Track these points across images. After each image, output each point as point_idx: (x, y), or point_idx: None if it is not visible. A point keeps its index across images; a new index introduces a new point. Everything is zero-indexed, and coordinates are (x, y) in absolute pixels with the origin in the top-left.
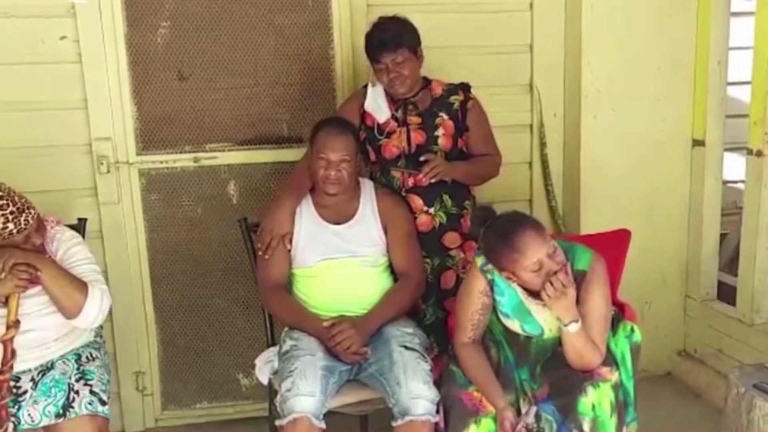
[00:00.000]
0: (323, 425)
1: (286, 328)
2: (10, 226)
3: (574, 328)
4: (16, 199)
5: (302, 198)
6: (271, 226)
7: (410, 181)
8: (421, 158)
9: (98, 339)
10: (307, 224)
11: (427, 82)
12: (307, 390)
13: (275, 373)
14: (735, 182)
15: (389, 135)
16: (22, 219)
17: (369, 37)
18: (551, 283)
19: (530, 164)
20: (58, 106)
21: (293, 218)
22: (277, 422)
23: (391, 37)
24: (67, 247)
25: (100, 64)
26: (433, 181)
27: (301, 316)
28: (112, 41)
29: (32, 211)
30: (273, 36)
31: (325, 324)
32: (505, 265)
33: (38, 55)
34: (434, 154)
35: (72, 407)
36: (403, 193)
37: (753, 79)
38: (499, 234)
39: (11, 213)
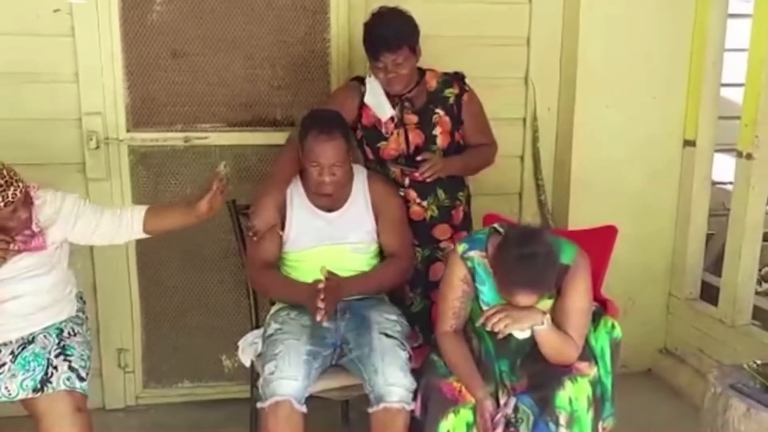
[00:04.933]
0: (304, 409)
1: (270, 312)
2: None
3: (541, 326)
4: (5, 172)
5: (287, 189)
6: (256, 221)
7: (407, 181)
8: (418, 158)
9: (81, 314)
10: (298, 211)
11: (421, 75)
12: (290, 374)
13: (259, 355)
14: (724, 183)
15: (388, 138)
16: (10, 192)
17: (369, 31)
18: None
19: (522, 158)
20: (49, 79)
21: (279, 211)
22: (259, 405)
23: (393, 37)
24: (70, 209)
25: (93, 39)
26: (429, 181)
27: (291, 285)
28: (106, 15)
29: (20, 185)
30: (269, 18)
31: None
32: (497, 285)
33: (31, 27)
34: (432, 153)
35: (50, 382)
36: (401, 191)
37: (746, 82)
38: (507, 268)
39: None
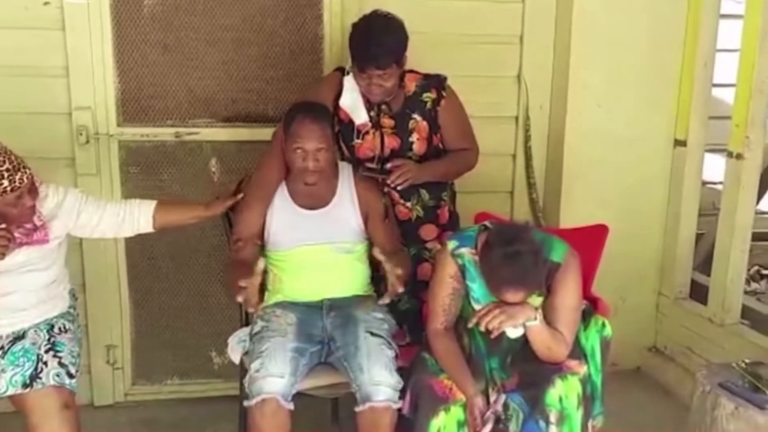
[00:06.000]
0: (291, 406)
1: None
2: (5, 183)
3: (533, 323)
4: (13, 157)
5: (272, 197)
6: (238, 228)
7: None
8: (388, 165)
9: (72, 310)
10: (280, 211)
11: (400, 78)
12: (276, 371)
13: (247, 353)
14: (714, 183)
15: (363, 137)
16: (17, 177)
17: (359, 43)
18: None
19: (514, 156)
20: (39, 72)
21: (263, 218)
22: (245, 403)
23: (384, 54)
24: (72, 203)
25: (83, 32)
26: (399, 188)
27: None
28: (96, 9)
29: (27, 171)
30: (261, 13)
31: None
32: (486, 283)
33: (21, 20)
34: (407, 159)
35: (39, 378)
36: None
37: (737, 82)
38: (492, 267)
39: (6, 170)
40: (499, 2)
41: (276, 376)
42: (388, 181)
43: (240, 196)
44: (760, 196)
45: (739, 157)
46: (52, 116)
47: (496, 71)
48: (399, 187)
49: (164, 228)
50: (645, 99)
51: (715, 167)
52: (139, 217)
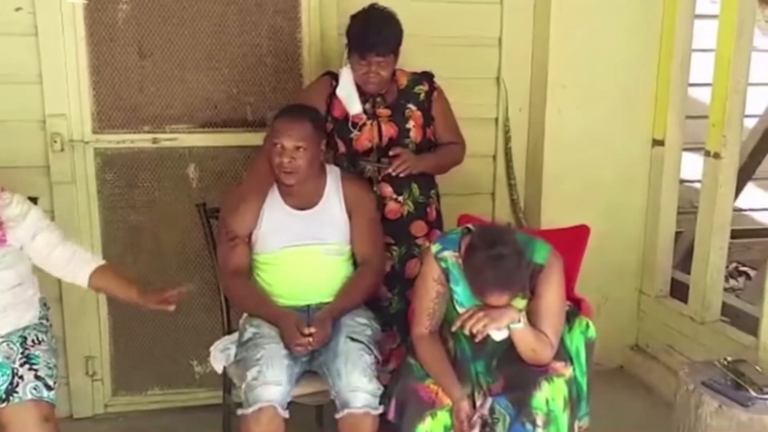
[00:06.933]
0: (287, 415)
1: (245, 316)
2: None
3: (517, 325)
4: None
5: (267, 194)
6: (234, 226)
7: (379, 175)
8: (391, 153)
9: (45, 322)
10: (271, 210)
11: (392, 74)
12: (274, 378)
13: (238, 361)
14: (692, 182)
15: (360, 128)
16: None
17: (361, 31)
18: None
19: (494, 157)
20: (11, 79)
21: (258, 216)
22: (240, 411)
23: (386, 42)
24: (34, 221)
25: (56, 38)
26: (402, 175)
27: (266, 306)
28: (70, 14)
29: None
30: (239, 16)
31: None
32: (470, 286)
33: None
34: (405, 147)
35: (16, 392)
36: (375, 188)
37: (713, 82)
38: (475, 270)
39: None
40: (477, 4)
41: (274, 384)
42: (390, 169)
43: (171, 300)
44: (737, 194)
45: (716, 156)
46: (26, 123)
47: (475, 73)
48: (401, 174)
49: (99, 291)
50: (623, 99)
51: (692, 166)
52: (78, 272)
